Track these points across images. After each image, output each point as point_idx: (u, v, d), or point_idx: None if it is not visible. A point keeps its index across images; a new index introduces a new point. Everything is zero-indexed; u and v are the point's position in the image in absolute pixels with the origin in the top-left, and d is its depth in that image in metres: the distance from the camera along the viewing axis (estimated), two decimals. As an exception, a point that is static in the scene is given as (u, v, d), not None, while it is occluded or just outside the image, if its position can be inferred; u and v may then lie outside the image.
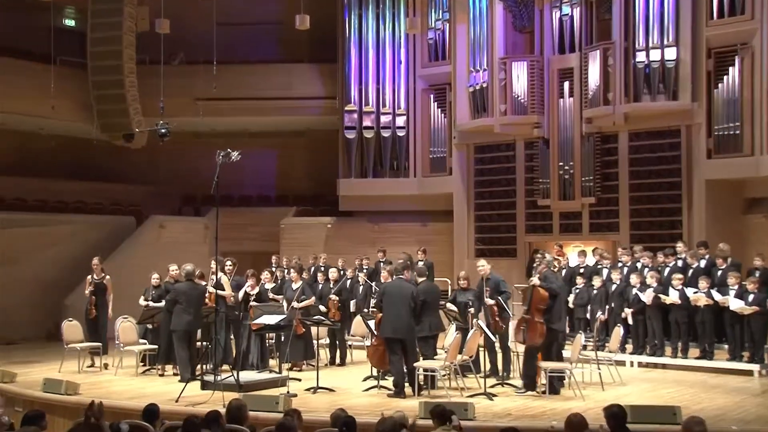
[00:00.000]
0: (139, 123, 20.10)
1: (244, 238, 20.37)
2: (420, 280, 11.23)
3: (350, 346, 13.95)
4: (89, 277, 13.66)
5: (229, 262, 12.77)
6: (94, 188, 21.66)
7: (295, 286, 12.80)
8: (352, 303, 14.84)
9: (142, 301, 13.28)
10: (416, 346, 10.73)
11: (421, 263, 14.28)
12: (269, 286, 13.16)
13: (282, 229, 20.58)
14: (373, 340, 10.86)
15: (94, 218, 20.31)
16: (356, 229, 20.06)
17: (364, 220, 20.17)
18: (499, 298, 11.34)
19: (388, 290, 10.57)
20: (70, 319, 13.48)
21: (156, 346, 12.67)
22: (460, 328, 11.34)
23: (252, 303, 12.32)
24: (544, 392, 10.17)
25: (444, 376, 10.76)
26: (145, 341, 13.14)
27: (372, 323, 11.17)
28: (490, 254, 12.50)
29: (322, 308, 13.42)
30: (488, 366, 11.16)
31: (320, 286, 14.07)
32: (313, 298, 13.03)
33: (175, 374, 12.12)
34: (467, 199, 18.53)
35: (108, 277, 13.72)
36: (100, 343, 13.17)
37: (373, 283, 12.98)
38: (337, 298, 13.63)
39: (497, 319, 11.20)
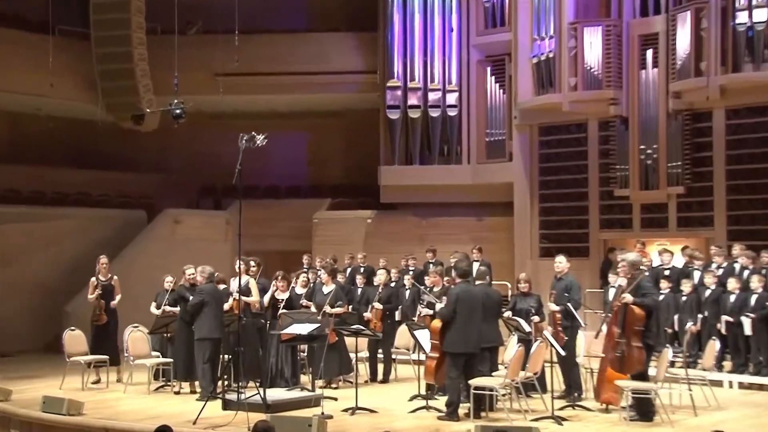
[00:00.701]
0: (150, 102, 20.30)
1: (271, 235, 20.55)
2: (477, 283, 11.21)
3: (394, 360, 13.98)
4: (93, 279, 13.84)
5: (253, 263, 12.88)
6: (98, 178, 21.95)
7: (326, 289, 12.89)
8: (398, 311, 14.86)
9: (153, 309, 13.49)
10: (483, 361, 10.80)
11: (476, 264, 14.23)
12: (301, 290, 13.24)
13: (315, 225, 20.71)
14: (429, 352, 10.83)
15: (98, 212, 20.59)
16: (400, 225, 20.13)
17: (410, 213, 20.26)
18: (568, 305, 11.29)
19: (462, 296, 10.50)
20: (73, 328, 13.67)
21: (171, 360, 12.75)
22: (522, 339, 11.31)
23: (281, 310, 12.42)
24: (625, 417, 10.11)
25: (504, 395, 10.74)
26: (159, 353, 13.30)
27: (421, 334, 11.17)
28: (558, 254, 12.37)
29: (367, 315, 13.49)
30: (558, 384, 11.12)
31: (359, 290, 14.09)
32: (349, 305, 13.06)
33: (193, 392, 12.29)
34: (530, 189, 18.45)
35: (115, 277, 13.94)
36: (107, 356, 13.39)
37: (422, 288, 12.97)
38: (381, 307, 13.63)
39: (559, 328, 11.18)
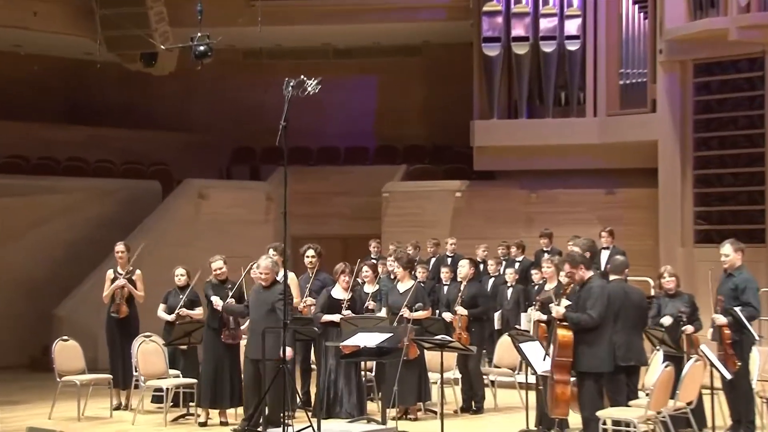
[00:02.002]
0: (166, 36, 20.39)
1: (328, 215, 20.83)
2: (612, 279, 11.07)
3: (492, 383, 13.91)
4: (110, 272, 14.07)
5: (311, 252, 13.06)
6: (97, 137, 22.25)
7: (402, 287, 12.87)
8: (496, 316, 14.76)
9: (162, 313, 13.72)
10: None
11: (606, 252, 14.09)
12: (370, 288, 13.26)
13: (385, 200, 20.86)
14: (553, 375, 10.70)
15: (98, 183, 20.83)
16: (501, 200, 20.13)
17: (515, 185, 20.29)
18: (737, 310, 11.09)
19: (614, 295, 10.49)
20: (65, 337, 13.80)
21: (194, 380, 12.87)
22: (670, 356, 11.17)
23: (342, 314, 12.46)
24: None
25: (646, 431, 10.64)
26: (178, 372, 13.42)
27: (530, 347, 11.09)
28: (721, 238, 12.15)
29: (448, 316, 13.47)
30: (721, 419, 10.97)
31: (445, 288, 14.06)
32: (434, 309, 13.03)
33: (223, 423, 12.42)
34: (681, 151, 18.30)
35: (138, 271, 14.17)
36: (110, 375, 13.63)
37: (530, 285, 12.90)
38: (465, 312, 13.52)
39: (730, 350, 10.94)
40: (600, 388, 10.37)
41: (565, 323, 10.44)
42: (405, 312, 12.52)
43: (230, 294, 12.29)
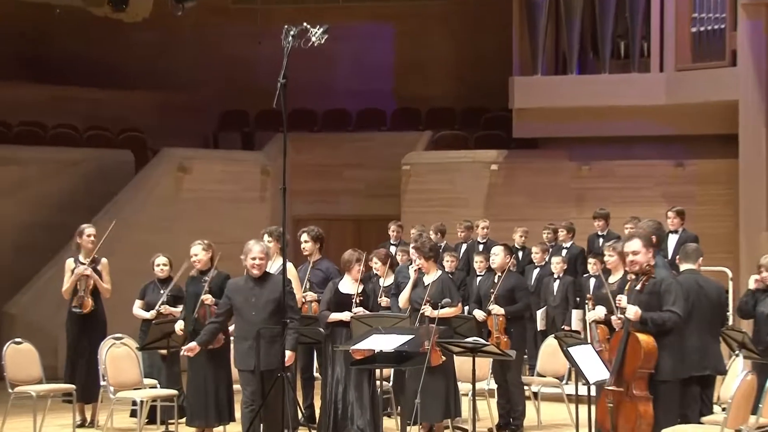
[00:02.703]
0: (139, -26, 20.51)
1: (337, 191, 20.71)
2: (684, 268, 11.05)
3: (535, 395, 13.91)
4: (70, 261, 14.04)
5: (305, 237, 13.05)
6: (57, 98, 22.21)
7: (427, 279, 12.79)
8: (539, 313, 14.77)
9: (138, 310, 13.77)
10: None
11: (674, 237, 14.07)
12: (387, 281, 13.34)
13: (406, 174, 20.96)
14: (633, 390, 10.68)
15: (57, 154, 20.76)
16: (546, 174, 20.32)
17: (562, 155, 20.54)
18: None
19: (686, 289, 10.46)
20: (18, 340, 13.74)
21: (173, 392, 12.88)
22: (756, 364, 11.17)
23: (353, 311, 12.48)
24: None
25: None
26: (154, 382, 13.42)
27: (581, 352, 11.06)
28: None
29: (480, 314, 13.48)
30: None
31: (478, 280, 14.06)
32: (465, 305, 13.07)
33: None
34: (767, 114, 18.36)
35: (104, 259, 14.15)
36: (72, 385, 13.55)
37: (582, 277, 12.89)
38: (501, 311, 13.53)
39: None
40: (673, 394, 10.23)
41: (640, 326, 10.39)
42: (428, 309, 12.52)
43: (206, 287, 12.27)
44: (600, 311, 11.84)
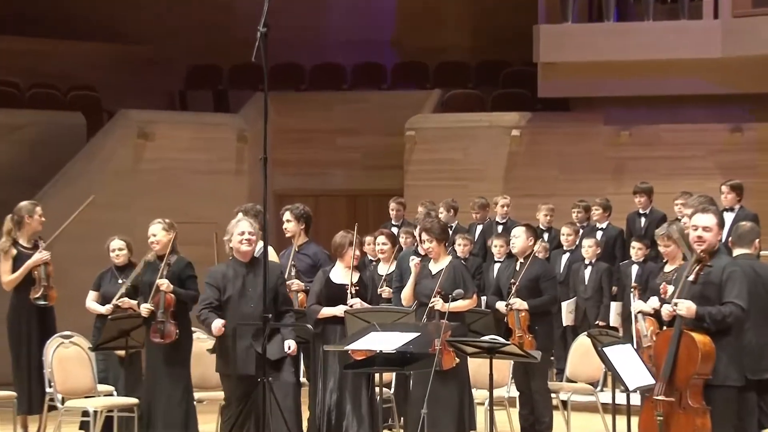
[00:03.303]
0: None
1: (328, 161, 20.70)
2: (738, 252, 10.97)
3: (564, 404, 14.07)
4: (4, 241, 14.00)
5: (287, 215, 13.12)
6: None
7: (435, 267, 12.73)
8: (565, 306, 14.74)
9: (92, 303, 13.87)
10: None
11: (730, 215, 14.09)
12: (386, 268, 13.23)
13: (410, 141, 21.08)
14: (687, 399, 10.66)
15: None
16: (577, 141, 20.64)
17: (597, 118, 20.79)
18: None
19: (750, 277, 10.36)
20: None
21: (134, 400, 12.91)
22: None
23: (348, 304, 12.46)
24: None
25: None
26: (110, 389, 13.41)
27: (621, 353, 10.99)
28: None
29: (501, 306, 13.40)
30: None
31: (496, 267, 14.02)
32: (481, 297, 13.04)
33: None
34: None
35: (43, 243, 14.09)
36: (14, 393, 13.61)
37: (620, 263, 12.86)
38: (525, 305, 13.54)
39: None
40: (731, 403, 10.31)
41: (696, 323, 10.20)
42: (438, 302, 12.47)
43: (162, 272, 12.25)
44: (654, 302, 11.84)
